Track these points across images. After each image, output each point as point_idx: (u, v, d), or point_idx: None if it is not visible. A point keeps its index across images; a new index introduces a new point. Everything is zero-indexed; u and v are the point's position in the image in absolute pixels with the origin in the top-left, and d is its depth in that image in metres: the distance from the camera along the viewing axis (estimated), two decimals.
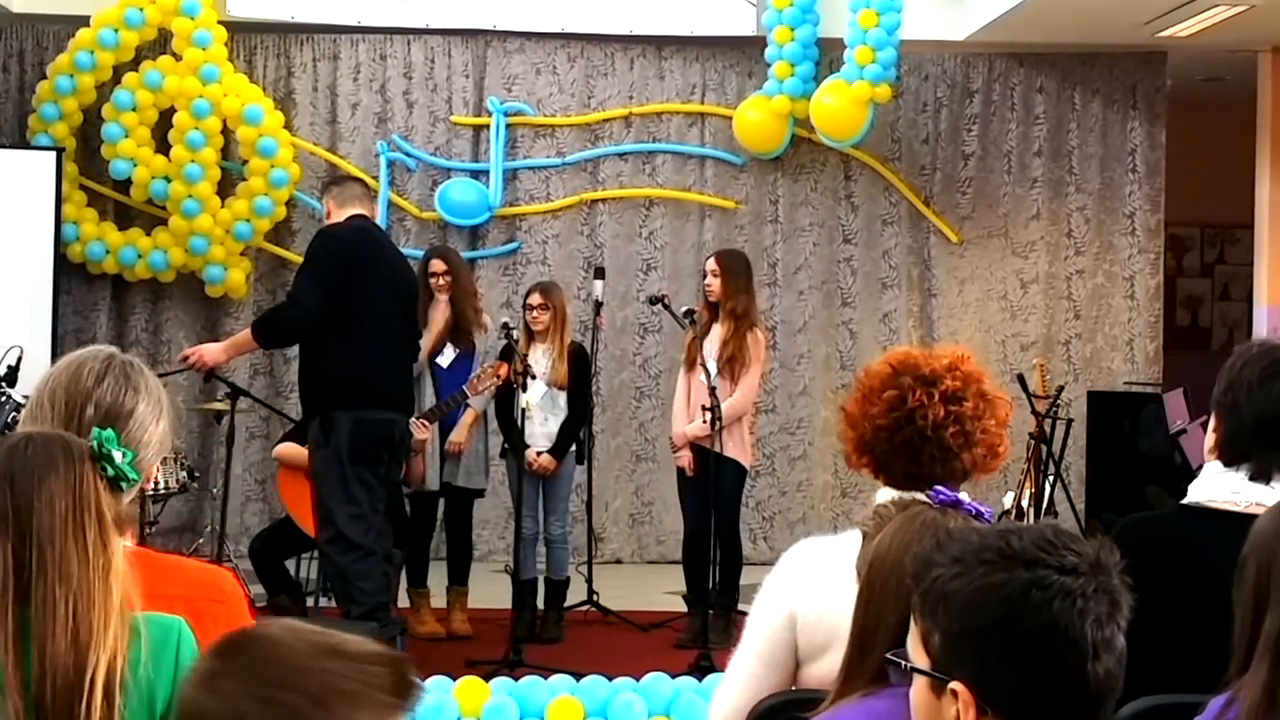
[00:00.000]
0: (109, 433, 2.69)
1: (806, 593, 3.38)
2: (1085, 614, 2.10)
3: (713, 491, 8.97)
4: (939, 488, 2.79)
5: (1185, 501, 3.60)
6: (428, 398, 9.13)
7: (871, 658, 2.52)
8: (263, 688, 1.78)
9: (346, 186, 8.46)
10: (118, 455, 2.66)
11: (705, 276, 9.32)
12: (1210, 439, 3.61)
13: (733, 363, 9.11)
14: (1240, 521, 3.46)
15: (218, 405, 9.25)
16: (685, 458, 9.24)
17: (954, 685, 2.14)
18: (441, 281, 9.34)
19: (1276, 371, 3.53)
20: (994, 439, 3.46)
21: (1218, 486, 3.53)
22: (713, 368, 8.96)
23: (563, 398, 9.33)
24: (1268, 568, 2.60)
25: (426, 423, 8.98)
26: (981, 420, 3.44)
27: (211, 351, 8.29)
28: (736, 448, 9.13)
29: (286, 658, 1.85)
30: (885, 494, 3.38)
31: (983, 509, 2.75)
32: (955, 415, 3.41)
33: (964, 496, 2.77)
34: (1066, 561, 2.13)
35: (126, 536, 2.73)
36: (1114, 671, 2.13)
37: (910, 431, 3.41)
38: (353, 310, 7.81)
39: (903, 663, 2.26)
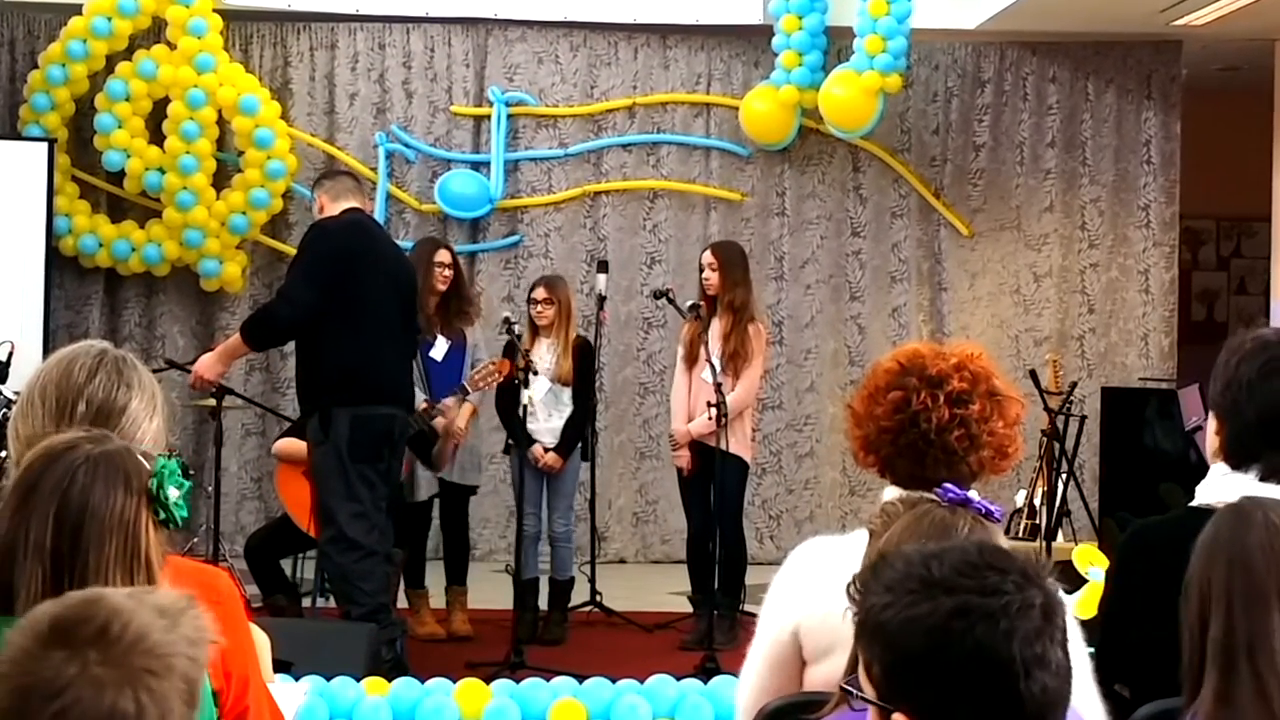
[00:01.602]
0: (173, 464, 2.66)
1: (809, 598, 3.38)
2: (1012, 634, 2.10)
3: (718, 489, 8.99)
4: (948, 485, 2.80)
5: (1194, 504, 3.58)
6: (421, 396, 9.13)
7: None
8: None
9: (339, 180, 8.43)
10: (173, 493, 2.63)
11: (702, 270, 9.34)
12: (1213, 441, 3.58)
13: (735, 358, 9.13)
14: None
15: (212, 402, 9.25)
16: (684, 457, 9.25)
17: (896, 717, 2.16)
18: (448, 272, 9.35)
19: (1276, 368, 3.50)
20: (1002, 440, 3.45)
21: (1227, 487, 3.50)
22: (716, 364, 8.97)
23: (567, 394, 9.33)
24: (1208, 576, 2.63)
25: (432, 407, 8.94)
26: (989, 423, 3.42)
27: (208, 366, 8.28)
28: (739, 443, 9.15)
29: None
30: (892, 492, 3.38)
31: (992, 507, 2.75)
32: (960, 418, 3.40)
33: (973, 494, 2.77)
34: (987, 583, 2.13)
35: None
36: (1052, 686, 2.12)
37: (914, 435, 3.41)
38: (349, 305, 7.79)
39: (854, 691, 2.27)
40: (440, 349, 9.30)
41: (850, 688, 2.30)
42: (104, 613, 1.91)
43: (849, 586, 2.29)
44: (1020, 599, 2.13)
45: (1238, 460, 3.52)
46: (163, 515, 2.63)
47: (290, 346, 11.79)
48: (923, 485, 3.35)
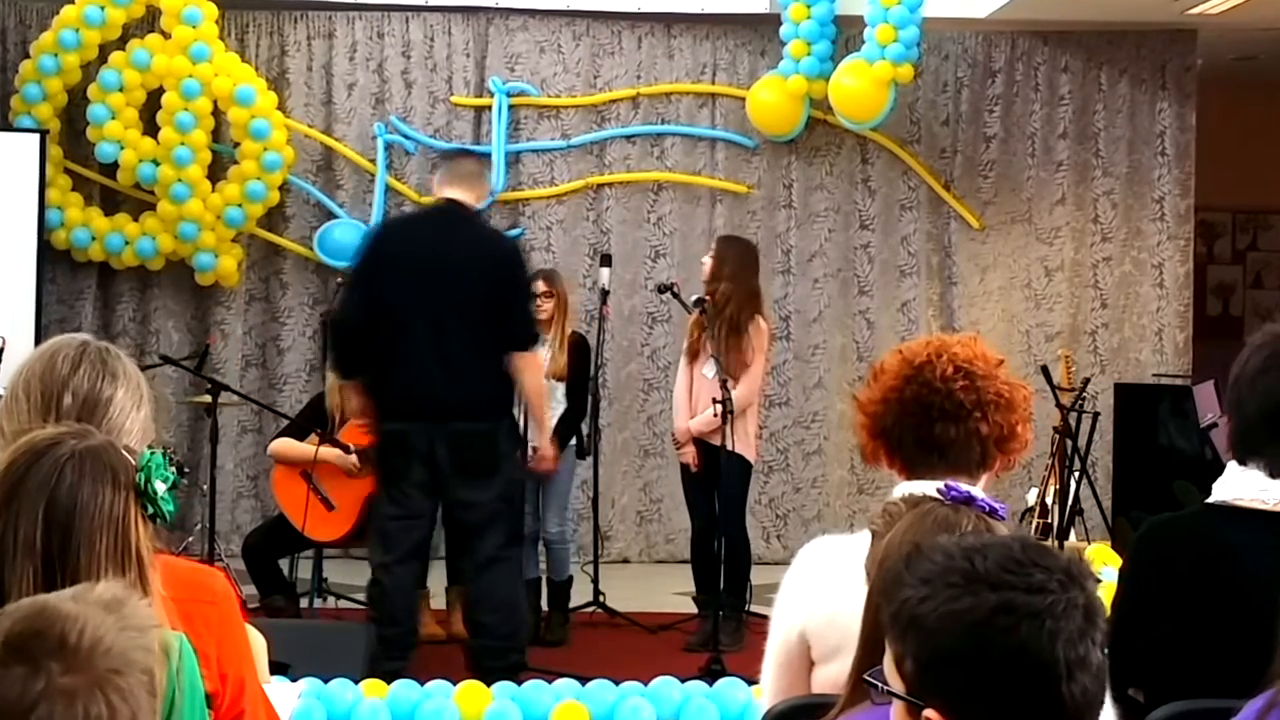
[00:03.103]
0: (158, 458, 2.67)
1: (817, 597, 3.40)
2: (1056, 635, 2.10)
3: (721, 489, 8.99)
4: (950, 484, 2.80)
5: (1210, 500, 3.57)
6: None
7: (881, 661, 2.53)
8: None
9: (446, 166, 8.33)
10: (160, 486, 2.64)
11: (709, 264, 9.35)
12: (1227, 436, 3.59)
13: (738, 353, 9.13)
14: (1272, 520, 3.46)
15: (206, 398, 9.25)
16: (690, 453, 9.24)
17: (928, 713, 2.15)
18: None
19: (1277, 362, 3.50)
20: (1013, 414, 3.47)
21: (1243, 484, 3.51)
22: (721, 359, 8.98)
23: (561, 390, 9.32)
24: None
25: None
26: (994, 382, 3.46)
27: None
28: (741, 442, 9.13)
29: None
30: (901, 490, 3.38)
31: (997, 505, 2.75)
32: (966, 372, 3.45)
33: (977, 492, 2.77)
34: (1033, 580, 2.12)
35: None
36: (1091, 689, 2.12)
37: (918, 386, 3.45)
38: (378, 317, 7.72)
39: (880, 685, 2.26)
40: None
41: (874, 680, 2.29)
42: (57, 622, 1.93)
43: (876, 580, 2.29)
44: (1065, 599, 2.12)
45: (1243, 455, 3.51)
46: (151, 510, 2.63)
47: (287, 341, 11.87)
48: (931, 449, 3.38)
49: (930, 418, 3.44)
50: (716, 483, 9.05)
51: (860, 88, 11.34)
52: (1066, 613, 2.11)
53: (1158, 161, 12.23)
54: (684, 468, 9.39)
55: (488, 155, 11.97)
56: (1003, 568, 2.14)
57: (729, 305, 9.18)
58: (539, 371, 8.20)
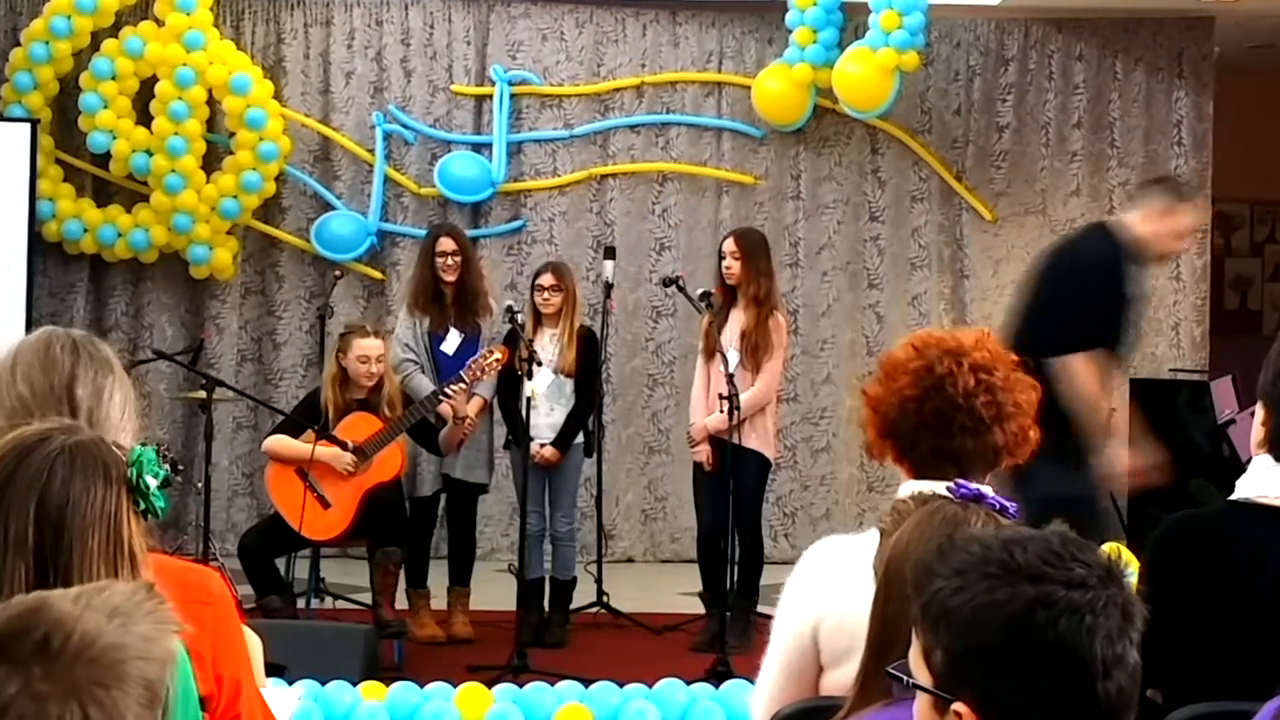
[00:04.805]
0: (149, 452, 2.66)
1: (827, 598, 3.38)
2: (1094, 631, 2.08)
3: (732, 486, 8.97)
4: (960, 481, 2.79)
5: (1233, 498, 3.56)
6: (431, 387, 9.10)
7: (890, 662, 2.52)
8: None
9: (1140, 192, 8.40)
10: (152, 482, 2.64)
11: (723, 258, 9.29)
12: (1259, 431, 3.56)
13: (757, 350, 9.10)
14: None
15: (201, 394, 9.23)
16: (704, 452, 9.23)
17: (957, 706, 2.13)
18: (451, 261, 9.33)
19: None
20: (1025, 419, 3.46)
21: (1269, 482, 3.50)
22: (732, 356, 8.96)
23: (569, 385, 9.31)
24: None
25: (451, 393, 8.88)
26: (1013, 393, 3.45)
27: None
28: (760, 439, 9.13)
29: None
30: (908, 488, 3.37)
31: (1007, 503, 2.75)
32: (986, 385, 3.43)
33: (987, 490, 2.76)
34: (1074, 575, 2.11)
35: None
36: (1126, 688, 2.11)
37: (939, 400, 3.42)
38: None
39: (905, 678, 2.25)
40: (452, 342, 9.29)
41: (899, 674, 2.28)
42: (45, 624, 1.91)
43: (907, 569, 2.27)
44: (1105, 595, 2.11)
45: None
46: (142, 506, 2.62)
47: (284, 335, 11.84)
48: (946, 459, 3.37)
49: (950, 432, 3.42)
50: (730, 480, 9.01)
51: (864, 75, 11.31)
52: (1106, 609, 2.10)
53: (1174, 152, 12.22)
54: (697, 466, 9.36)
55: (488, 145, 11.98)
56: (1043, 560, 2.13)
57: (767, 300, 9.19)
58: (1067, 380, 7.22)
